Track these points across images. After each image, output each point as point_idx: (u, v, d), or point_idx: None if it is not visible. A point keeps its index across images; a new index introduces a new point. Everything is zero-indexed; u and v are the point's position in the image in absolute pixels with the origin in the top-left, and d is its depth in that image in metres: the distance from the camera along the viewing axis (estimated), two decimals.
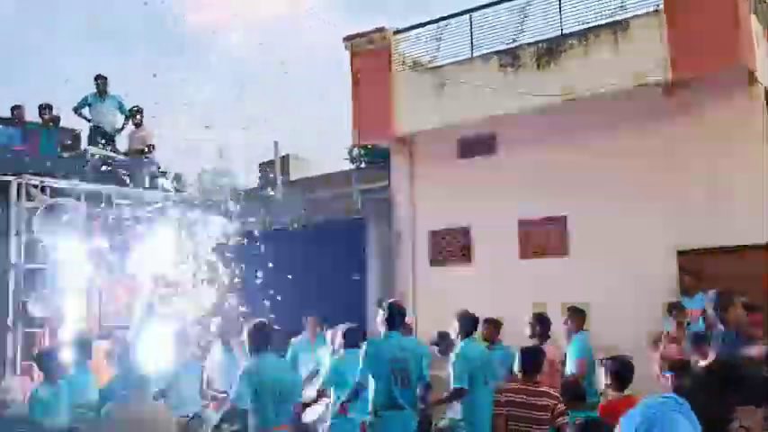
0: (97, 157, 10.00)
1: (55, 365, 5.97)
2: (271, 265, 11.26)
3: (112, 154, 10.45)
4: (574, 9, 9.74)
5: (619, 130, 9.51)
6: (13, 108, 11.29)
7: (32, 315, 8.20)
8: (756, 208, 8.30)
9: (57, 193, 8.68)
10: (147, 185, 9.78)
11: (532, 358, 5.53)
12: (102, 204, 9.15)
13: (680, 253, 8.99)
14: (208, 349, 8.59)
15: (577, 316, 7.42)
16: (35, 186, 8.59)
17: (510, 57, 9.94)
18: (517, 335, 7.24)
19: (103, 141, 10.75)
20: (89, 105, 11.18)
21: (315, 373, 8.03)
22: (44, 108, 11.13)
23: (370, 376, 5.89)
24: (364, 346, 6.29)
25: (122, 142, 11.26)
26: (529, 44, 9.87)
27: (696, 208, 8.87)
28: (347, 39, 11.34)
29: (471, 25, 10.50)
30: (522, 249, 10.34)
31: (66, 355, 6.37)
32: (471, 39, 10.49)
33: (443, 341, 7.85)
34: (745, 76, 8.63)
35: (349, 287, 10.78)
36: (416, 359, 6.03)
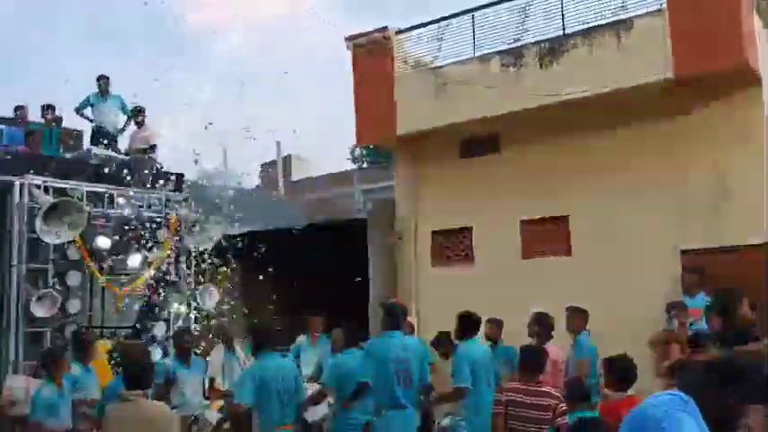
0: (100, 157, 10.00)
1: (57, 365, 5.97)
2: (273, 265, 11.28)
3: (114, 154, 10.44)
4: (576, 9, 9.73)
5: (621, 129, 9.49)
6: (16, 108, 11.31)
7: (35, 315, 8.19)
8: (759, 207, 8.29)
9: (59, 193, 8.68)
10: (149, 186, 9.77)
11: (534, 358, 5.52)
12: (105, 204, 9.15)
13: (683, 252, 8.98)
14: (210, 349, 8.61)
15: (579, 316, 7.41)
16: (37, 186, 8.59)
17: (512, 56, 9.93)
18: (519, 335, 7.23)
19: (105, 142, 10.75)
20: (91, 105, 11.17)
21: (317, 372, 8.04)
22: (47, 108, 11.15)
23: (372, 376, 5.89)
24: (366, 345, 6.30)
25: (125, 142, 11.27)
26: (531, 44, 9.86)
27: (699, 207, 8.86)
28: (349, 39, 11.33)
29: (473, 25, 10.50)
30: (525, 249, 10.32)
31: (69, 355, 6.38)
32: (473, 38, 10.49)
33: (443, 344, 7.85)
34: (747, 75, 8.62)
35: (351, 287, 10.78)
36: (419, 359, 6.04)
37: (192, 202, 9.98)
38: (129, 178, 9.57)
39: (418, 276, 11.15)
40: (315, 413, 6.91)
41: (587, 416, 5.03)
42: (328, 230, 12.06)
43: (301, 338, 8.98)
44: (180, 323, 9.46)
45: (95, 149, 10.36)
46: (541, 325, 7.20)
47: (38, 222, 8.14)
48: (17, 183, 8.52)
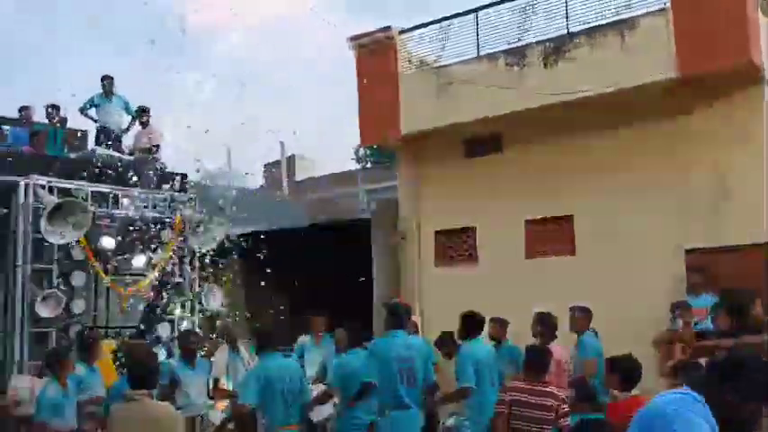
0: (104, 157, 10.02)
1: (62, 365, 5.99)
2: (276, 265, 11.28)
3: (119, 154, 10.46)
4: (580, 8, 9.73)
5: (624, 129, 9.48)
6: (21, 109, 11.34)
7: (39, 315, 8.21)
8: (759, 207, 8.27)
9: (63, 193, 8.69)
10: (153, 186, 9.78)
11: (538, 358, 5.52)
12: (109, 205, 9.17)
13: (688, 252, 8.97)
14: (214, 350, 8.61)
15: (583, 315, 7.40)
16: (42, 187, 8.62)
17: (516, 56, 9.93)
18: (524, 335, 7.23)
19: (109, 142, 10.77)
20: (95, 106, 11.19)
21: (321, 373, 8.04)
22: (51, 108, 11.17)
23: (376, 375, 5.89)
24: (370, 345, 6.29)
25: (129, 142, 11.29)
26: (535, 43, 9.85)
27: (700, 207, 8.85)
28: (352, 39, 11.32)
29: (477, 25, 10.50)
30: (528, 249, 10.32)
31: (74, 355, 6.39)
32: (477, 38, 10.49)
33: (446, 344, 7.83)
34: (751, 73, 8.61)
35: (354, 287, 10.79)
36: (422, 358, 6.02)
37: (196, 203, 9.99)
38: (133, 179, 9.58)
39: (421, 276, 11.16)
40: (320, 413, 6.92)
41: (590, 418, 5.02)
42: (332, 230, 12.07)
43: (304, 338, 8.97)
44: (185, 324, 9.47)
45: (100, 150, 10.37)
46: (544, 325, 7.19)
47: (42, 222, 8.16)
48: (22, 183, 8.55)
